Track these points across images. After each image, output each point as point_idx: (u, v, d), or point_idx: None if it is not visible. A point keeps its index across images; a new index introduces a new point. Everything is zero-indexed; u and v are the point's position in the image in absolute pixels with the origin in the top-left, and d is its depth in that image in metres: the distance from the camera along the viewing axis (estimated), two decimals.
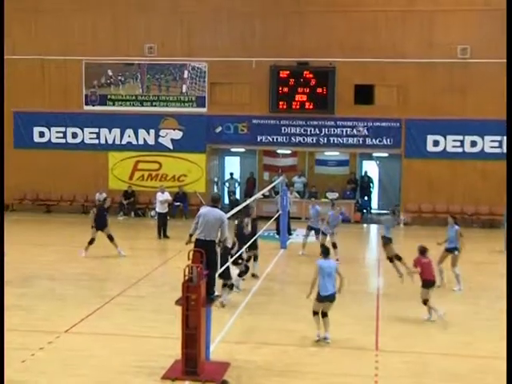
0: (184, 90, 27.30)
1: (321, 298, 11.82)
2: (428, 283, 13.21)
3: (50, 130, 27.94)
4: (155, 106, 27.49)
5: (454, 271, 15.61)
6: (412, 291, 14.92)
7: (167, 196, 22.83)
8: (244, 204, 15.31)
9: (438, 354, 11.32)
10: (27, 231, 23.86)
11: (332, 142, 26.74)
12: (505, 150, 24.65)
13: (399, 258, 16.53)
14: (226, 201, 28.30)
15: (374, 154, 28.31)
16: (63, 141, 27.97)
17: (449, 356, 11.24)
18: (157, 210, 22.88)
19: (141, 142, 27.64)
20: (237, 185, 29.26)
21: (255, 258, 16.44)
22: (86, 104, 27.75)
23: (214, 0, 26.54)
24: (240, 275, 15.07)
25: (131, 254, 20.68)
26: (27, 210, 27.72)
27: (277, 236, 21.79)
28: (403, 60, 25.60)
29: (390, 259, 16.76)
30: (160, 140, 27.54)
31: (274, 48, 26.12)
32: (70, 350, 11.15)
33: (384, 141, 26.41)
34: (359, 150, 27.37)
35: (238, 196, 28.48)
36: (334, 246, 18.65)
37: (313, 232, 19.72)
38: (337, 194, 27.05)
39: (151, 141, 27.59)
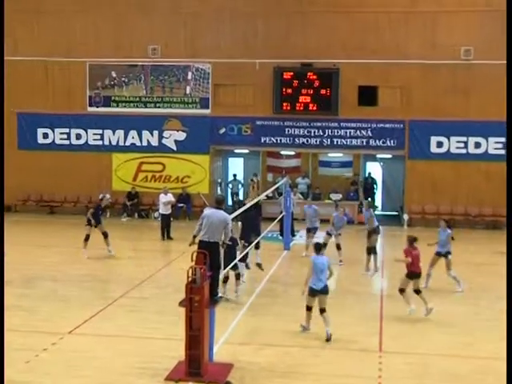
0: (188, 92, 27.31)
1: (313, 292, 11.99)
2: (413, 274, 13.38)
3: (53, 131, 27.98)
4: (159, 107, 27.51)
5: (450, 274, 15.59)
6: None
7: (170, 197, 22.84)
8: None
9: (439, 354, 11.32)
10: (30, 232, 23.90)
11: (336, 143, 26.73)
12: None
13: (375, 253, 16.96)
14: (230, 202, 28.32)
15: (378, 156, 28.29)
16: (67, 142, 28.00)
17: (450, 357, 11.24)
18: (160, 211, 22.90)
19: (144, 143, 27.66)
20: (240, 186, 29.27)
21: (257, 246, 16.44)
22: (90, 105, 27.79)
23: (218, 1, 26.56)
24: (243, 260, 15.19)
25: (134, 256, 20.74)
26: (31, 211, 27.75)
27: (280, 237, 21.78)
28: (406, 61, 25.58)
29: (369, 250, 17.01)
30: (164, 141, 27.55)
31: (278, 49, 26.12)
32: (73, 351, 11.16)
33: (388, 142, 26.39)
34: (363, 151, 27.35)
35: (241, 197, 28.46)
36: (338, 247, 18.66)
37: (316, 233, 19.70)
38: (340, 195, 27.02)
39: (155, 142, 27.61)
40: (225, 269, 12.21)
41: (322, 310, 12.00)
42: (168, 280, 16.13)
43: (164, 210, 22.54)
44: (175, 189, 26.06)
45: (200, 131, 27.07)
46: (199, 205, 25.59)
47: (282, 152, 28.38)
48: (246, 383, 9.94)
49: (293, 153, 28.47)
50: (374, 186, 28.57)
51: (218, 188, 29.02)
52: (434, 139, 26.12)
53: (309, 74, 26.19)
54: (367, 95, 26.18)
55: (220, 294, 11.05)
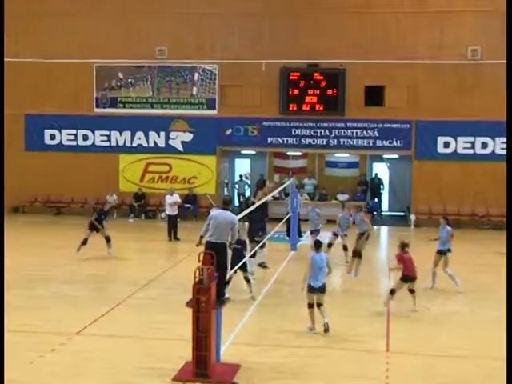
0: (194, 93, 27.35)
1: (312, 289, 12.22)
2: (407, 278, 13.65)
3: (60, 132, 28.07)
4: (166, 108, 27.57)
5: (446, 271, 15.56)
6: (423, 293, 14.91)
7: (176, 198, 22.86)
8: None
9: (447, 355, 11.28)
10: (38, 233, 23.96)
11: (342, 143, 26.73)
12: None
13: (360, 256, 16.96)
14: (237, 203, 28.34)
15: (385, 156, 28.26)
16: (74, 143, 28.10)
17: (458, 358, 11.20)
18: (167, 212, 22.93)
19: (151, 144, 27.73)
20: (246, 187, 29.28)
21: (262, 245, 16.45)
22: (97, 106, 27.86)
23: (224, 2, 26.60)
24: (253, 256, 15.35)
25: (141, 256, 20.81)
26: (38, 212, 27.82)
27: (287, 238, 21.78)
28: (413, 61, 25.56)
29: (354, 254, 16.92)
30: (170, 142, 27.61)
31: (284, 50, 26.14)
32: (81, 352, 11.19)
33: (394, 142, 26.38)
34: (369, 151, 27.34)
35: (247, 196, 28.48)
36: (345, 248, 18.64)
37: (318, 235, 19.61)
38: (347, 196, 27.02)
39: (162, 143, 27.66)
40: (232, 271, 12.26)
41: (320, 305, 12.31)
42: (175, 280, 16.12)
43: (171, 210, 22.56)
44: (182, 189, 26.12)
45: (207, 132, 27.11)
46: (206, 205, 25.61)
47: (289, 153, 28.40)
48: None
49: (299, 153, 28.48)
50: (381, 186, 28.55)
51: (225, 189, 29.05)
52: (440, 139, 26.09)
53: (315, 74, 26.21)
54: (374, 95, 26.18)
55: (227, 295, 11.06)
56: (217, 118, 27.19)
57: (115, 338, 12.04)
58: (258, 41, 26.48)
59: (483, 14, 25.17)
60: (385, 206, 29.31)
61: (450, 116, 25.60)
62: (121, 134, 27.80)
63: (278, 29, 26.41)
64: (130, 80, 27.61)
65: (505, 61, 23.99)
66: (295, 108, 26.44)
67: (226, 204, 11.52)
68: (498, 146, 25.70)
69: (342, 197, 26.78)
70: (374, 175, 28.77)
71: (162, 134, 27.59)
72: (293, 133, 26.85)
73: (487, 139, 25.78)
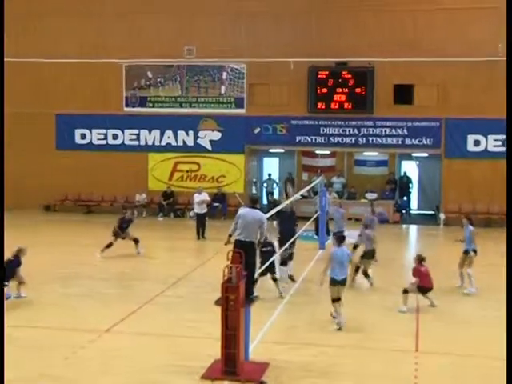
0: (223, 91, 27.43)
1: (335, 282, 12.51)
2: (424, 289, 13.89)
3: (91, 131, 28.33)
4: (194, 107, 27.68)
5: (467, 272, 15.39)
6: (452, 292, 14.83)
7: (205, 197, 22.94)
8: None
9: (476, 355, 11.19)
10: (68, 231, 24.21)
11: (371, 142, 26.63)
12: None
13: (366, 275, 16.25)
14: (265, 201, 28.37)
15: (414, 154, 28.08)
16: (104, 142, 28.34)
17: (487, 358, 11.09)
18: (195, 210, 23.02)
19: (180, 143, 27.86)
20: (275, 185, 29.30)
21: (291, 257, 16.41)
22: (127, 106, 28.07)
23: (252, 1, 26.61)
24: (282, 264, 15.40)
25: (170, 255, 20.94)
26: (69, 210, 28.11)
27: (315, 237, 21.75)
28: (443, 59, 25.33)
29: (357, 269, 15.94)
30: (199, 141, 27.72)
31: (313, 48, 26.08)
32: (110, 349, 11.30)
33: (424, 141, 26.21)
34: (398, 150, 27.20)
35: (276, 196, 28.48)
36: None
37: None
38: (376, 195, 26.90)
39: (190, 142, 27.78)
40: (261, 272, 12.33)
41: (338, 299, 12.58)
42: (203, 279, 16.19)
43: (199, 209, 22.65)
44: (210, 188, 26.20)
45: (235, 131, 27.17)
46: (234, 204, 25.67)
47: (317, 151, 28.34)
48: (283, 382, 9.95)
49: (328, 152, 28.42)
50: (410, 185, 28.36)
51: (253, 187, 29.09)
52: (470, 137, 25.86)
53: (343, 72, 26.13)
54: (403, 93, 26.02)
55: (255, 294, 11.08)
56: (245, 117, 27.24)
57: (144, 335, 12.13)
58: (286, 39, 26.44)
59: None
60: (414, 204, 29.12)
61: (480, 114, 25.34)
62: (150, 133, 27.98)
63: (306, 27, 26.36)
64: (159, 79, 27.77)
65: None
66: (324, 106, 26.39)
67: (254, 202, 11.53)
68: None
69: (370, 195, 26.67)
70: (402, 174, 28.59)
71: (191, 132, 27.71)
72: (321, 131, 26.80)
73: None
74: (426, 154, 27.67)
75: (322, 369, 10.52)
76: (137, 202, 27.59)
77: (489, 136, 25.70)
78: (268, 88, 27.04)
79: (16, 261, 14.05)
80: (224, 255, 10.27)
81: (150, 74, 27.78)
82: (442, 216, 26.01)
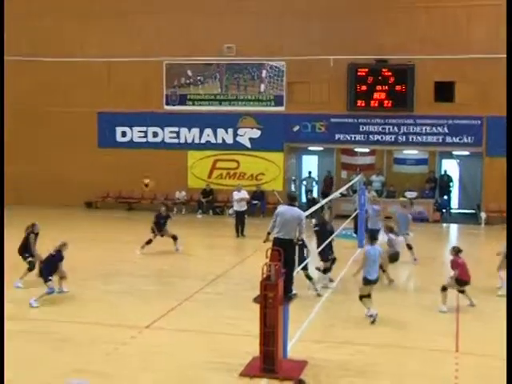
0: (262, 89, 27.48)
1: (368, 282, 12.81)
2: (462, 282, 13.74)
3: (131, 129, 28.62)
4: (234, 105, 27.77)
5: (499, 273, 15.13)
6: (492, 292, 14.66)
7: (244, 194, 23.02)
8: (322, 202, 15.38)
9: None
10: (110, 228, 24.54)
11: (411, 140, 26.42)
12: None
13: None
14: (304, 199, 28.35)
15: (454, 153, 27.79)
16: (144, 140, 28.60)
17: None
18: (234, 208, 23.12)
19: (219, 140, 27.98)
20: (314, 183, 29.26)
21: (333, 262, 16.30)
22: (167, 104, 28.29)
23: (293, 0, 26.61)
24: (325, 272, 15.43)
25: (209, 252, 21.08)
26: (110, 207, 28.45)
27: (354, 235, 21.68)
28: (484, 56, 25.01)
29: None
30: (238, 139, 27.81)
31: (352, 46, 25.95)
32: (151, 346, 11.44)
33: (464, 139, 25.92)
34: (439, 148, 26.94)
35: (315, 194, 28.45)
36: (409, 247, 18.26)
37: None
38: (415, 194, 26.68)
39: (230, 140, 27.89)
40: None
41: (369, 295, 12.92)
42: (242, 276, 16.26)
43: (238, 207, 22.75)
44: (249, 186, 26.28)
45: (274, 129, 27.20)
46: (273, 202, 25.69)
47: (357, 149, 28.21)
48: (321, 381, 9.97)
49: (367, 150, 28.26)
50: (450, 183, 28.06)
51: (292, 185, 29.10)
52: None
53: (383, 70, 25.96)
54: (444, 91, 25.74)
55: (294, 292, 11.11)
56: (284, 115, 27.24)
57: (183, 332, 12.26)
58: (325, 37, 26.36)
59: None
60: (454, 203, 28.81)
61: None
62: (189, 130, 28.16)
63: (345, 25, 26.24)
64: (198, 77, 27.93)
65: None
66: (363, 104, 26.27)
67: (292, 200, 11.54)
68: None
69: (410, 194, 26.45)
70: (443, 172, 28.30)
71: (230, 130, 27.82)
72: (361, 129, 26.68)
73: None
74: (466, 153, 27.36)
75: (360, 368, 10.51)
76: (176, 199, 27.81)
77: None
78: (307, 86, 26.99)
79: (58, 255, 14.30)
80: (263, 253, 10.32)
81: (189, 73, 27.95)
82: (482, 215, 25.69)
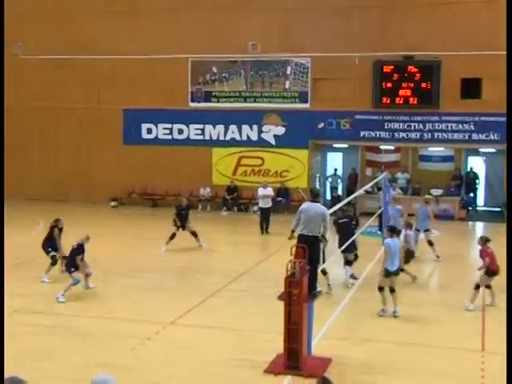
0: (287, 86, 27.44)
1: (388, 274, 12.85)
2: (492, 272, 13.55)
3: (157, 126, 28.73)
4: (258, 102, 27.77)
5: None
6: None
7: (270, 191, 23.02)
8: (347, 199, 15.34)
9: None
10: (134, 225, 24.68)
11: (437, 137, 26.23)
12: None
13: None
14: (329, 196, 28.28)
15: (481, 150, 27.54)
16: (169, 137, 28.69)
17: None
18: (259, 205, 23.12)
19: (244, 137, 27.99)
20: (339, 181, 29.17)
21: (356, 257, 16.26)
22: (192, 101, 28.36)
23: None
24: (349, 264, 15.44)
25: (234, 249, 21.10)
26: (135, 203, 28.60)
27: (379, 232, 21.56)
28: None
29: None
30: (263, 136, 27.80)
31: (378, 43, 25.83)
32: (175, 341, 11.50)
33: (491, 136, 25.67)
34: (465, 145, 26.72)
35: (340, 192, 28.37)
36: (430, 243, 18.09)
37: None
38: (441, 191, 26.48)
39: (254, 136, 27.89)
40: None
41: (393, 290, 12.86)
42: (267, 273, 16.27)
43: (263, 203, 22.74)
44: (274, 183, 26.26)
45: (299, 126, 27.15)
46: (298, 199, 25.64)
47: (382, 146, 28.07)
48: (345, 378, 9.94)
49: (392, 147, 28.10)
50: (476, 181, 27.83)
51: (317, 183, 29.03)
52: None
53: (409, 67, 25.81)
54: (470, 88, 25.52)
55: (319, 289, 11.08)
56: (309, 112, 27.18)
57: (207, 328, 12.29)
58: (350, 34, 26.27)
59: None
60: (480, 201, 28.57)
61: None
62: (214, 127, 28.20)
63: (370, 21, 26.13)
64: (223, 74, 27.96)
65: None
66: (388, 101, 26.13)
67: (316, 196, 11.49)
68: None
69: (435, 191, 26.26)
70: (469, 169, 28.07)
71: (255, 127, 27.82)
72: (386, 126, 26.55)
73: None
74: (493, 150, 27.11)
75: (384, 366, 10.47)
76: (201, 196, 27.89)
77: None
78: (332, 82, 26.89)
79: (80, 248, 14.38)
80: (287, 250, 10.32)
81: (214, 69, 27.99)
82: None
